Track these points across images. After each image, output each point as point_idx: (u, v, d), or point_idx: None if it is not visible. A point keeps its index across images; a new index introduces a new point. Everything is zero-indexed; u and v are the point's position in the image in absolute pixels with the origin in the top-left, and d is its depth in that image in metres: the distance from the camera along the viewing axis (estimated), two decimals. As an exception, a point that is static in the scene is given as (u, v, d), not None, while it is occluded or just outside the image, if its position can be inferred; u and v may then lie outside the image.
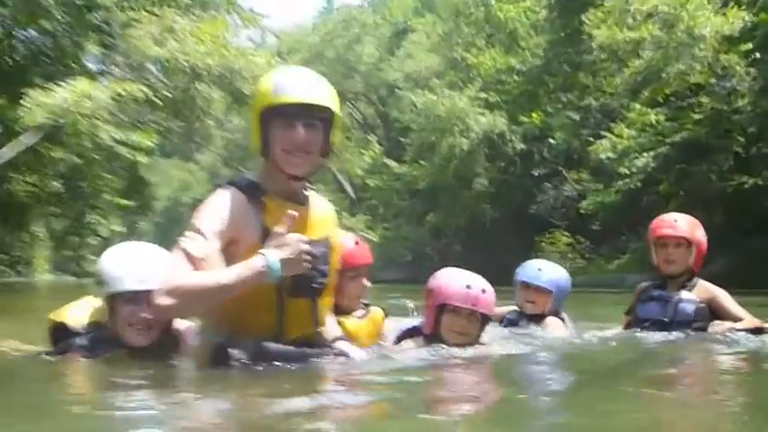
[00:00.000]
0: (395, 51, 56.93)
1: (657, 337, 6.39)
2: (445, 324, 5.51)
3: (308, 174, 4.46)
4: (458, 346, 5.42)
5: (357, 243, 5.67)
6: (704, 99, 28.97)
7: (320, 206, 4.67)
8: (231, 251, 4.21)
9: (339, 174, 57.44)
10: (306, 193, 4.60)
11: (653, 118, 30.98)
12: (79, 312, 4.93)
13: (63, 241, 34.06)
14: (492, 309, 5.64)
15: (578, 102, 39.66)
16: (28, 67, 28.69)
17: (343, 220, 45.78)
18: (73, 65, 27.65)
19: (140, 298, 4.58)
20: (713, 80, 28.46)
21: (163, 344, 4.78)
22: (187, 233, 4.21)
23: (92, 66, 29.99)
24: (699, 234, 6.77)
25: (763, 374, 5.17)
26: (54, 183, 32.78)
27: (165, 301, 4.03)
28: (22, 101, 22.50)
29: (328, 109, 4.38)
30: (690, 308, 6.59)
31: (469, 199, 42.72)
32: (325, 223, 4.63)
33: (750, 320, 6.49)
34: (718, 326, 6.44)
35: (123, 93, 22.63)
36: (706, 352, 5.95)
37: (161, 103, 24.82)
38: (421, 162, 45.57)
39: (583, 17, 32.39)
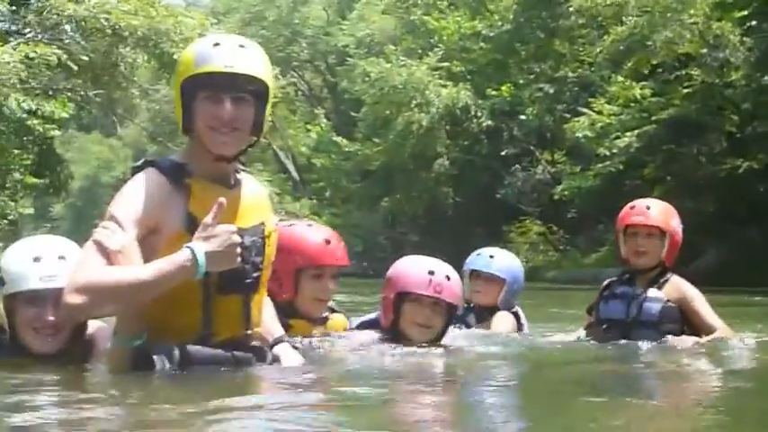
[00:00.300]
0: (345, 13, 56.80)
1: (612, 344, 6.41)
2: (406, 316, 5.45)
3: (237, 153, 4.42)
4: (420, 341, 5.40)
5: (328, 242, 5.51)
6: (694, 71, 29.18)
7: (253, 190, 4.63)
8: (152, 241, 4.19)
9: (281, 152, 57.38)
10: (238, 175, 4.56)
11: (637, 92, 31.20)
12: None
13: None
14: (458, 298, 5.61)
15: (553, 73, 39.79)
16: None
17: (286, 204, 45.71)
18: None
19: (44, 298, 4.48)
20: (704, 50, 28.66)
21: (73, 350, 4.66)
22: (102, 223, 4.16)
23: (-1, 25, 29.74)
24: (674, 223, 6.66)
25: (723, 384, 5.23)
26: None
27: (74, 299, 3.98)
28: None
29: (260, 80, 4.34)
30: (655, 307, 6.48)
31: (429, 182, 42.74)
32: (259, 209, 4.59)
33: (723, 332, 6.42)
34: (683, 341, 6.33)
35: (35, 55, 22.41)
36: (665, 358, 5.99)
37: (78, 69, 24.59)
38: (374, 139, 45.55)
39: (559, -24, 32.55)
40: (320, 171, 53.30)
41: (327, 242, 5.49)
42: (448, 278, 5.46)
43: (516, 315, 7.15)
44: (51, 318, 4.47)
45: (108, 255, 4.04)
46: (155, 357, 4.17)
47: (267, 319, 4.78)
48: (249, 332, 4.47)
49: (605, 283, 6.92)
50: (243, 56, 4.29)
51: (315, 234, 5.51)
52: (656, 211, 6.66)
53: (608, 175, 31.60)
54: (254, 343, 4.53)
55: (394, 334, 5.47)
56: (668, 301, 6.50)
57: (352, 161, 48.98)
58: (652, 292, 6.54)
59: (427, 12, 46.22)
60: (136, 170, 4.38)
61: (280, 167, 58.59)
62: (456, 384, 5.01)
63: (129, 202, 4.19)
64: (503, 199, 39.79)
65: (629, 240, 6.66)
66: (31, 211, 44.07)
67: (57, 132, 31.69)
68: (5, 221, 33.07)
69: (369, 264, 36.72)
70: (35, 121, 28.41)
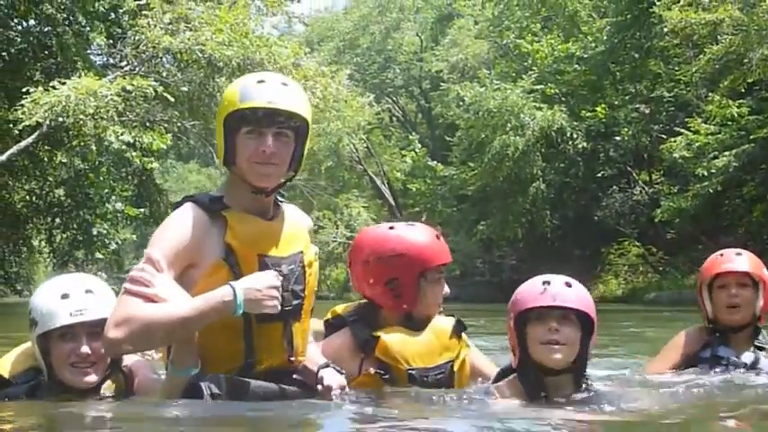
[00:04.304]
0: (438, 39, 56.93)
1: None
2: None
3: (276, 187, 4.54)
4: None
5: (438, 237, 5.30)
6: (793, 89, 28.82)
7: (292, 221, 4.70)
8: (191, 274, 4.35)
9: (376, 177, 57.53)
10: (278, 209, 4.65)
11: (734, 111, 30.82)
12: (13, 360, 4.86)
13: (67, 256, 34.16)
14: None
15: (648, 93, 39.47)
16: (26, 61, 28.85)
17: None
18: (76, 58, 27.72)
19: (77, 333, 4.59)
20: (802, 67, 28.27)
21: (111, 382, 4.76)
22: (138, 265, 4.29)
23: (97, 59, 30.16)
24: (765, 273, 5.92)
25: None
26: (56, 190, 32.97)
27: (114, 333, 4.11)
28: (21, 100, 22.48)
29: (300, 117, 4.45)
30: None
31: (525, 205, 42.49)
32: (297, 238, 4.65)
33: None
34: None
35: (132, 88, 22.64)
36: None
37: (174, 100, 24.81)
38: (469, 164, 45.46)
39: (652, -3, 32.34)
40: (416, 196, 53.37)
41: (438, 238, 5.31)
42: None
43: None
44: (86, 350, 4.56)
45: (147, 293, 4.14)
46: (202, 386, 4.22)
47: (312, 353, 4.78)
48: (292, 359, 4.54)
49: (690, 335, 6.14)
50: (285, 93, 4.44)
51: (424, 233, 5.30)
52: (746, 257, 5.97)
53: (706, 196, 31.15)
54: (296, 376, 4.59)
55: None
56: None
57: (448, 185, 49.01)
58: (765, 363, 5.82)
59: (520, 35, 46.12)
60: (177, 206, 4.52)
61: (375, 193, 58.82)
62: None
63: (166, 241, 4.33)
64: (600, 221, 39.51)
65: (718, 294, 5.94)
66: (134, 238, 44.80)
67: (155, 165, 32.12)
68: (107, 251, 33.53)
69: (466, 288, 36.63)
70: (134, 153, 28.81)
